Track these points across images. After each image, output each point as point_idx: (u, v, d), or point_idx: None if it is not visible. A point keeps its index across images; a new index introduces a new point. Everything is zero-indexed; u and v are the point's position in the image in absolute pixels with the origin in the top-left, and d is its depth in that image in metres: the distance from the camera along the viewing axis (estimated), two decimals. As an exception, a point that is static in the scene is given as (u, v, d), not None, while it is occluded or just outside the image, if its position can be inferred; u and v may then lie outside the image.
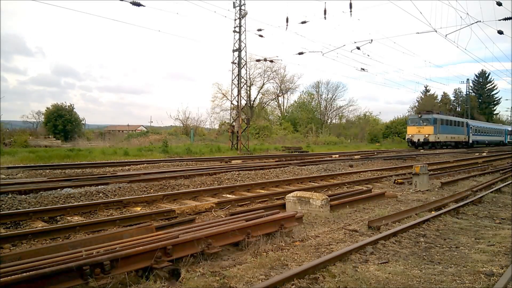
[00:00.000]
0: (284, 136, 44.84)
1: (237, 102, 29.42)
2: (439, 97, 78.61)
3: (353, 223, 6.68)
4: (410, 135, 39.53)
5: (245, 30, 28.78)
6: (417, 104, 74.56)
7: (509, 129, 67.20)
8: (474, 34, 44.45)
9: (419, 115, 39.80)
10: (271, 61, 32.78)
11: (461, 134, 45.56)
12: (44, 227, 5.84)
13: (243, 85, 30.23)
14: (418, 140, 38.45)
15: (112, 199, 7.89)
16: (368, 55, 32.70)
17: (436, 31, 19.20)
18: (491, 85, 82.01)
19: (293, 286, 3.77)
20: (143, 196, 8.27)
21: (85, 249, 3.90)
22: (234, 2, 28.22)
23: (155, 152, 23.47)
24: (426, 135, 38.03)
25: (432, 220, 6.81)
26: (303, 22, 22.93)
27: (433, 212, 7.54)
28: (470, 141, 48.04)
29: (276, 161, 18.30)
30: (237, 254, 4.81)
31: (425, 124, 38.89)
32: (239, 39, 28.71)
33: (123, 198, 8.03)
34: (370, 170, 15.27)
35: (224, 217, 6.35)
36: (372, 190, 9.89)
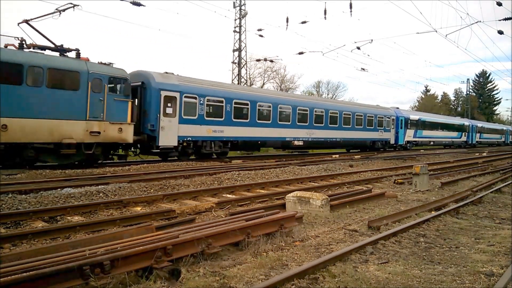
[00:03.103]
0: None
1: (237, 102, 29.42)
2: (440, 97, 78.79)
3: (353, 223, 6.68)
4: None
5: (245, 30, 28.84)
6: (417, 103, 74.65)
7: (454, 122, 40.49)
8: (474, 34, 44.54)
9: None
10: (271, 61, 32.78)
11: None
12: (44, 227, 5.85)
13: (243, 85, 30.22)
14: None
15: (112, 199, 7.89)
16: (368, 55, 32.85)
17: (436, 31, 19.24)
18: (491, 85, 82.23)
19: (293, 286, 3.77)
20: (143, 196, 8.27)
21: (87, 249, 3.91)
22: (234, 2, 28.26)
23: (155, 152, 23.42)
24: None
25: (432, 220, 6.81)
26: (303, 22, 23.00)
27: (433, 212, 7.54)
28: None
29: (276, 161, 18.29)
30: (237, 254, 4.82)
31: None
32: (239, 39, 28.74)
33: (123, 198, 8.03)
34: (370, 170, 15.27)
35: (224, 217, 6.36)
36: (372, 190, 9.88)
